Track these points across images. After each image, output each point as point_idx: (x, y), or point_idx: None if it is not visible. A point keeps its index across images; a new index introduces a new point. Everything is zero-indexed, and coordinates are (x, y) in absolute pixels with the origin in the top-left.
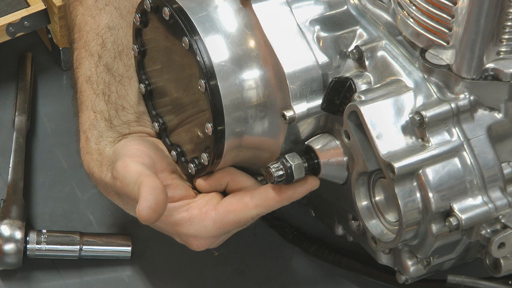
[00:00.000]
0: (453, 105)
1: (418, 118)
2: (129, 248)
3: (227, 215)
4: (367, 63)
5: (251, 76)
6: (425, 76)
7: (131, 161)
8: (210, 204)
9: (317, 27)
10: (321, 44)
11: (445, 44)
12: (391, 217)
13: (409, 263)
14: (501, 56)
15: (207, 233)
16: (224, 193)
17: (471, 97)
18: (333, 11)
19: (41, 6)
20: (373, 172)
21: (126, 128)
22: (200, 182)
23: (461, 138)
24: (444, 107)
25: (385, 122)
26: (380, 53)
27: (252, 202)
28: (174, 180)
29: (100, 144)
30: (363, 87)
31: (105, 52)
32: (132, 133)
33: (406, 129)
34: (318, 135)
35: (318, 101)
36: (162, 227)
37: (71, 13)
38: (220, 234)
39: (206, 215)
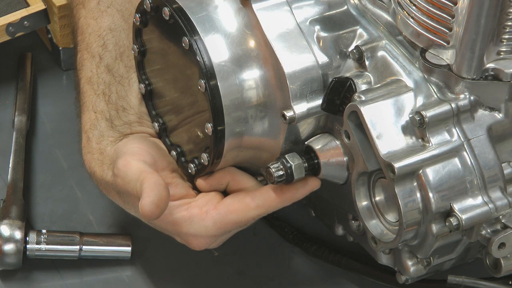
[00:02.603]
0: (453, 105)
1: (418, 118)
2: (129, 248)
3: (227, 215)
4: (367, 63)
5: (251, 76)
6: (425, 76)
7: (132, 159)
8: (211, 203)
9: (317, 27)
10: (321, 44)
11: (445, 44)
12: (391, 217)
13: (409, 263)
14: (501, 56)
15: (207, 232)
16: (225, 193)
17: (471, 97)
18: (333, 11)
19: (41, 6)
20: (373, 172)
21: (127, 128)
22: (200, 182)
23: (461, 138)
24: (444, 107)
25: (385, 122)
26: (380, 53)
27: (253, 202)
28: (174, 179)
29: (101, 143)
30: (363, 87)
31: (106, 53)
32: (134, 133)
33: (406, 129)
34: (318, 135)
35: (318, 101)
36: (162, 226)
37: (74, 17)
38: (220, 234)
39: (207, 214)
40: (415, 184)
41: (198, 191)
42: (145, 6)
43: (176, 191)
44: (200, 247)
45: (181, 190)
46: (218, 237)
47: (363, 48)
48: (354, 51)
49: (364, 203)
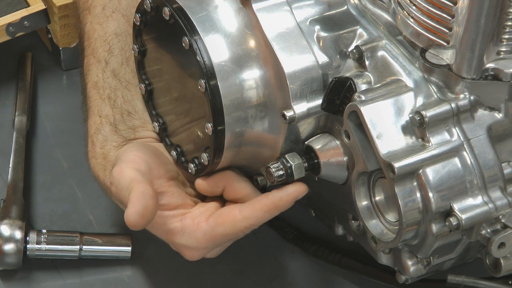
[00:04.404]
0: (453, 105)
1: (418, 118)
2: (129, 248)
3: (215, 228)
4: (367, 63)
5: (251, 76)
6: (425, 76)
7: (126, 167)
8: (203, 215)
9: (317, 27)
10: (321, 44)
11: (445, 44)
12: (391, 217)
13: (409, 263)
14: (501, 56)
15: (197, 244)
16: (224, 200)
17: (471, 97)
18: (333, 11)
19: (41, 6)
20: (373, 172)
21: (131, 133)
22: (199, 182)
23: (461, 138)
24: (444, 107)
25: (385, 122)
26: (380, 53)
27: (240, 214)
28: (170, 187)
29: (104, 148)
30: (363, 87)
31: (112, 58)
32: (138, 138)
33: (406, 129)
34: (318, 135)
35: (318, 101)
36: (157, 234)
37: (81, 22)
38: (211, 246)
39: (198, 226)
40: (415, 184)
41: (200, 195)
42: (145, 6)
43: (171, 200)
44: (192, 258)
45: (177, 200)
46: (210, 249)
47: (363, 48)
48: (354, 51)
49: (364, 203)
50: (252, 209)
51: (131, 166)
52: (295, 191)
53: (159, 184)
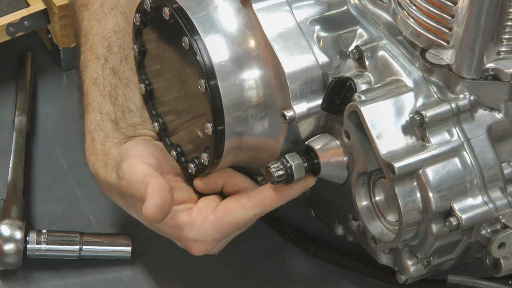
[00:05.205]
0: (453, 105)
1: (418, 118)
2: (129, 248)
3: (225, 217)
4: (367, 63)
5: (251, 76)
6: (425, 76)
7: (137, 162)
8: (209, 207)
9: (317, 27)
10: (321, 44)
11: (445, 44)
12: (391, 217)
13: (409, 263)
14: (501, 56)
15: (207, 236)
16: (223, 195)
17: (471, 97)
18: (333, 11)
19: (41, 6)
20: (373, 172)
21: (131, 131)
22: (197, 182)
23: (461, 138)
24: (444, 107)
25: (385, 122)
26: (380, 53)
27: (249, 202)
28: (178, 182)
29: (105, 145)
30: (363, 87)
31: (111, 55)
32: (138, 136)
33: (406, 129)
34: (318, 135)
35: (318, 101)
36: (164, 229)
37: (77, 18)
38: (220, 237)
39: (205, 218)
40: (415, 184)
41: (199, 193)
42: (145, 6)
43: (179, 195)
44: (200, 252)
45: (184, 194)
46: (218, 241)
47: (363, 48)
48: (354, 51)
49: (364, 203)
50: (261, 197)
51: (142, 160)
52: (304, 180)
53: (167, 179)
